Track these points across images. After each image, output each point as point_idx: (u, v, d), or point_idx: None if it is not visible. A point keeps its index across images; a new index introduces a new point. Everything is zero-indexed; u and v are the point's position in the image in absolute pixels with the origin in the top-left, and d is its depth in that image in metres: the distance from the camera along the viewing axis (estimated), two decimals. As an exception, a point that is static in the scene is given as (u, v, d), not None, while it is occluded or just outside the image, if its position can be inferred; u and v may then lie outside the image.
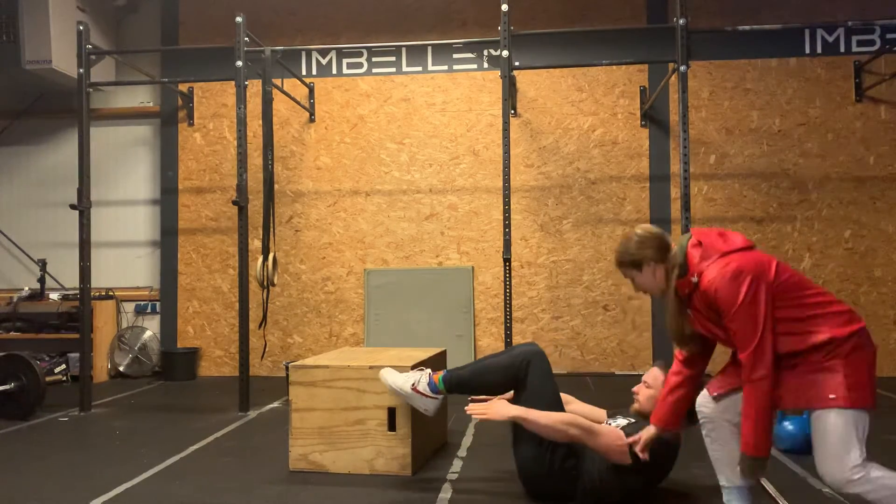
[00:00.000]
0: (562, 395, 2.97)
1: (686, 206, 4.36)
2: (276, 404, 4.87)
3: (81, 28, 4.92)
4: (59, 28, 5.66)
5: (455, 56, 6.12)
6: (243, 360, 4.61)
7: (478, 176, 6.07)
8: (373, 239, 6.14)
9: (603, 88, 5.99)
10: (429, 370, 3.05)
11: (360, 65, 6.21)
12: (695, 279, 2.38)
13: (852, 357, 2.21)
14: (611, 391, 5.12)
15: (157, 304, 6.37)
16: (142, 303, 6.42)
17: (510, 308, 4.58)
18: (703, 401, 2.48)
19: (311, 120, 6.22)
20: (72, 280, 5.94)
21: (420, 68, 6.16)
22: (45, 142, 6.56)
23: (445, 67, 6.14)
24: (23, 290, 6.28)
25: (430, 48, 6.13)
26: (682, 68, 4.44)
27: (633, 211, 5.92)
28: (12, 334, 6.05)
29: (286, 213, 6.22)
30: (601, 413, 3.05)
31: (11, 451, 3.73)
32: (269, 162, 4.86)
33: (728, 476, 2.48)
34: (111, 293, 6.35)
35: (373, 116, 6.18)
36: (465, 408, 2.85)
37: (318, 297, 6.17)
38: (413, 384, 2.97)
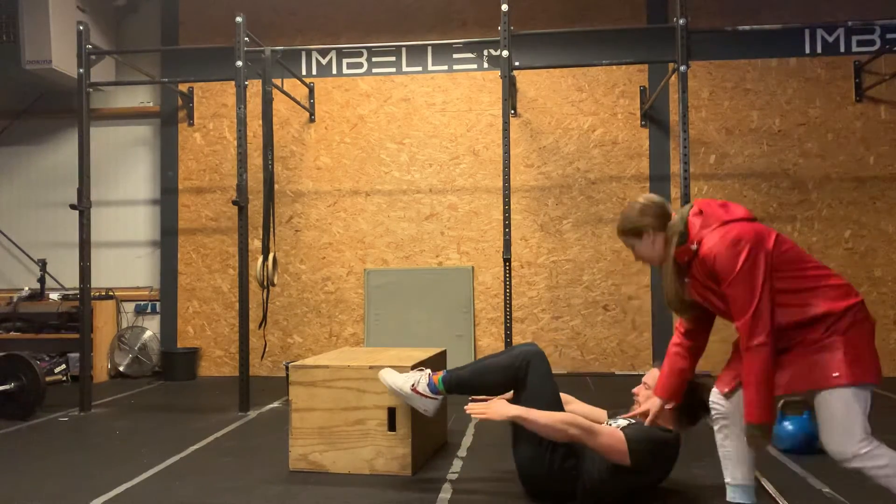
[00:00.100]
0: (562, 395, 2.97)
1: (686, 206, 4.35)
2: (276, 404, 4.87)
3: (81, 28, 4.92)
4: (59, 28, 5.66)
5: (455, 56, 6.12)
6: (243, 360, 4.61)
7: (478, 176, 6.07)
8: (373, 239, 6.14)
9: (603, 88, 5.99)
10: (428, 371, 3.05)
11: (360, 65, 6.22)
12: (694, 247, 2.40)
13: (851, 332, 2.23)
14: (611, 391, 5.11)
15: (157, 304, 6.37)
16: (142, 303, 6.42)
17: (510, 308, 4.58)
18: (716, 398, 2.48)
19: (311, 120, 6.22)
20: (72, 280, 5.94)
21: (420, 68, 6.16)
22: (45, 142, 6.56)
23: (445, 67, 6.14)
24: (23, 290, 6.28)
25: (430, 48, 6.13)
26: (682, 68, 4.44)
27: (633, 211, 5.90)
28: (12, 334, 6.05)
29: (286, 213, 6.22)
30: (601, 413, 3.05)
31: (11, 451, 3.73)
32: (269, 162, 4.87)
33: (734, 473, 2.47)
34: (111, 293, 6.35)
35: (373, 116, 6.18)
36: (465, 407, 2.85)
37: (318, 297, 6.17)
38: (413, 385, 2.97)
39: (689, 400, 2.75)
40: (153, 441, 3.91)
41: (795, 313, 2.27)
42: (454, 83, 6.13)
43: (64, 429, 4.26)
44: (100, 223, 6.25)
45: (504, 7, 4.62)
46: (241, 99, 4.67)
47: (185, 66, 6.19)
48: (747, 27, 5.12)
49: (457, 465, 3.37)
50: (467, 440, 3.84)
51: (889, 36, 5.74)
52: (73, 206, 4.76)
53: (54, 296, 6.16)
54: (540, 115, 6.03)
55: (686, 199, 4.36)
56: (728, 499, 2.49)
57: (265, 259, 4.82)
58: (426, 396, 2.96)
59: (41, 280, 6.25)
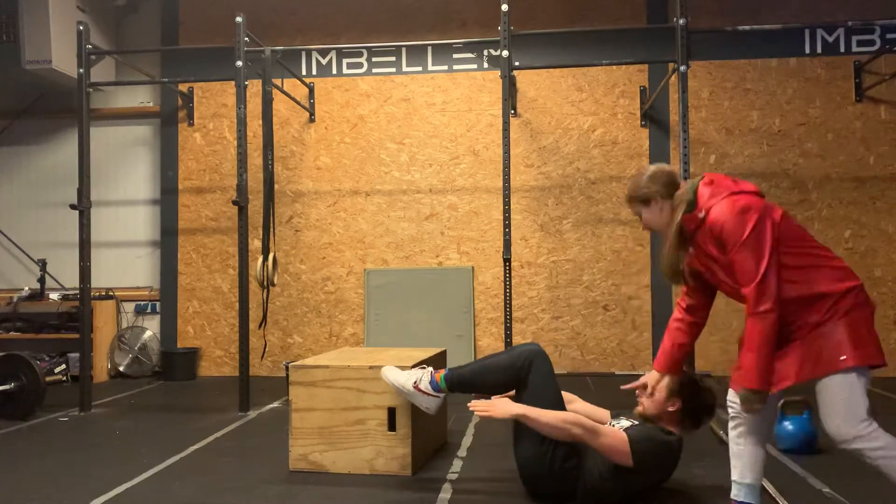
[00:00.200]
0: (565, 394, 2.98)
1: (686, 206, 4.36)
2: (276, 404, 4.87)
3: (81, 28, 4.92)
4: (59, 28, 5.66)
5: (455, 56, 6.12)
6: (243, 360, 4.61)
7: (478, 176, 6.07)
8: (373, 239, 6.14)
9: (603, 88, 5.99)
10: (430, 368, 3.05)
11: (360, 65, 6.21)
12: (702, 214, 2.40)
13: (851, 315, 2.25)
14: (611, 391, 5.10)
15: (157, 304, 6.37)
16: (142, 303, 6.42)
17: (510, 308, 4.58)
18: (733, 397, 2.47)
19: (311, 120, 6.22)
20: (72, 280, 5.94)
21: (420, 68, 6.16)
22: (45, 142, 6.56)
23: (445, 67, 6.14)
24: (23, 290, 6.28)
25: (430, 48, 6.13)
26: (682, 68, 4.44)
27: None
28: (12, 334, 6.05)
29: (286, 213, 6.22)
30: (605, 413, 3.05)
31: (11, 451, 3.73)
32: (269, 162, 4.87)
33: (745, 472, 2.46)
34: (111, 293, 6.35)
35: (373, 116, 6.18)
36: (469, 404, 2.85)
37: (318, 297, 6.17)
38: (415, 382, 2.97)
39: (692, 403, 2.74)
40: (153, 441, 3.90)
41: (799, 288, 2.29)
42: (454, 83, 6.13)
43: (64, 429, 4.26)
44: (100, 223, 6.25)
45: (504, 7, 4.62)
46: (241, 99, 4.67)
47: (185, 66, 6.19)
48: (747, 27, 5.13)
49: (457, 465, 3.37)
50: (467, 440, 3.84)
51: (889, 36, 5.74)
52: (73, 206, 4.76)
53: (54, 296, 6.16)
54: (540, 115, 6.03)
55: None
56: (732, 496, 2.48)
57: (265, 259, 4.82)
58: (428, 394, 2.96)
59: (41, 280, 6.25)
